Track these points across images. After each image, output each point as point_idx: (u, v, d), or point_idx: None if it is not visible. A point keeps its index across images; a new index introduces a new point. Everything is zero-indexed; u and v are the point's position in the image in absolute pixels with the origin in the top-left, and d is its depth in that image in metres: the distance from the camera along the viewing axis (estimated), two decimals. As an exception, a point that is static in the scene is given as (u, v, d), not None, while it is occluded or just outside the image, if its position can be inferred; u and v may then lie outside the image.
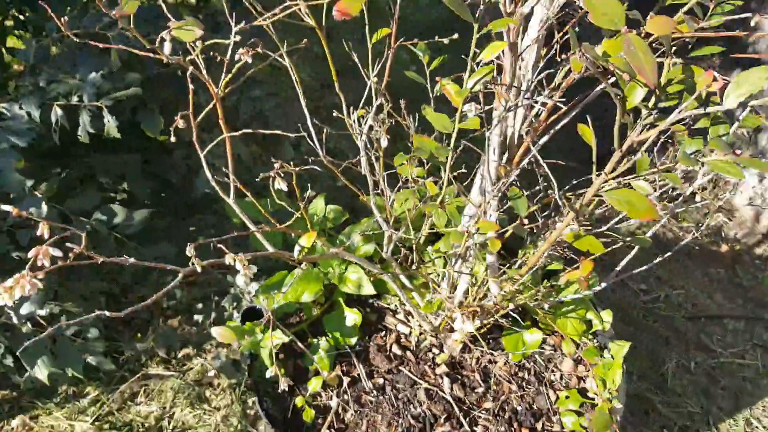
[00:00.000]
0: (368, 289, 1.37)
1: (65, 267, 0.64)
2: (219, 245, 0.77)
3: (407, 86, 1.23)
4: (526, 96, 1.05)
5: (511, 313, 1.33)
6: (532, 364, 1.42)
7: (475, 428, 1.32)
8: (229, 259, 0.78)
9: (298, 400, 1.32)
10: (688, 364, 2.05)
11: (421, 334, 1.45)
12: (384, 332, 1.47)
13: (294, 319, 1.49)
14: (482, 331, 1.43)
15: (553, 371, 1.41)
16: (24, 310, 1.21)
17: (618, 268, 1.29)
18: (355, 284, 1.37)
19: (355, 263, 1.38)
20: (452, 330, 1.39)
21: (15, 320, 1.19)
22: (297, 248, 0.93)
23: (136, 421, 1.75)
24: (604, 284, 1.30)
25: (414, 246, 1.23)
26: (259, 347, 1.30)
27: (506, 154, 1.16)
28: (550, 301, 1.29)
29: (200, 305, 1.91)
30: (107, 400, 1.79)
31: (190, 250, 0.75)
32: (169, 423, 1.75)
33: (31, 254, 0.57)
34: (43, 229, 0.66)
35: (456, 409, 1.33)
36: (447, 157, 1.01)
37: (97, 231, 1.58)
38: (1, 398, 1.79)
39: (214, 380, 1.83)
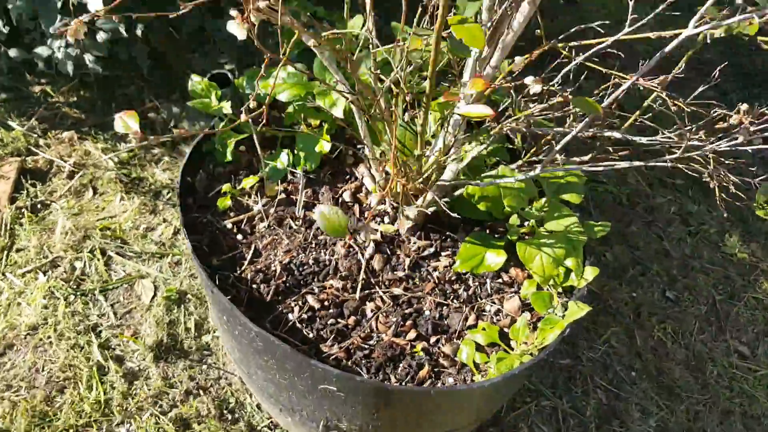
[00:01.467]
0: (338, 112, 1.20)
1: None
2: None
3: None
4: None
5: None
6: (475, 283, 1.16)
7: (366, 302, 1.12)
8: None
9: (226, 187, 1.23)
10: (731, 447, 1.55)
11: (382, 196, 1.26)
12: (349, 178, 1.31)
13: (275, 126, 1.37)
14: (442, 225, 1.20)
15: (493, 303, 1.13)
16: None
17: (558, 146, 0.95)
18: (331, 102, 1.21)
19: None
20: (409, 203, 1.17)
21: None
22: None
23: (148, 180, 1.82)
24: (538, 170, 0.98)
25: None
26: (210, 110, 1.23)
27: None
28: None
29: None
30: (139, 152, 1.89)
31: None
32: (169, 193, 1.79)
33: None
34: None
35: (361, 275, 1.14)
36: None
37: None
38: (71, 114, 1.99)
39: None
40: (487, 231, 1.21)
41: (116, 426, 1.32)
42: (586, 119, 0.86)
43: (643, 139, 0.93)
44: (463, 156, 1.04)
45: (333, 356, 1.04)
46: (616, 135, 0.85)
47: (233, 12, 0.68)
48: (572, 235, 1.07)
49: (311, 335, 1.07)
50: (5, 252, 1.60)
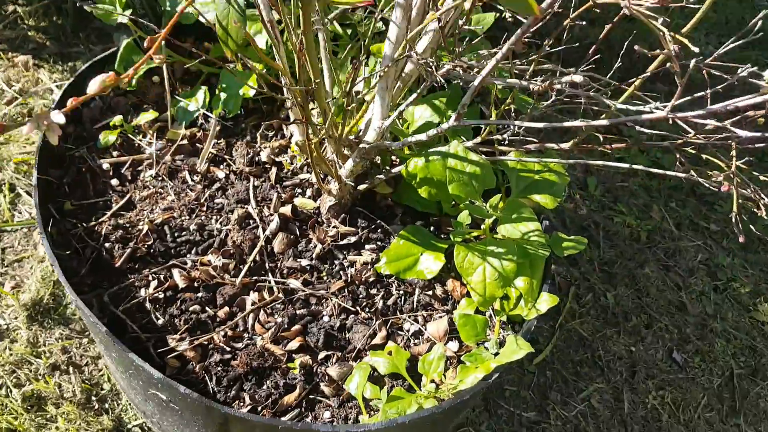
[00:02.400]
0: (260, 42, 0.94)
1: None
2: None
3: None
4: None
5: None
6: (399, 291, 0.87)
7: (249, 292, 0.84)
8: None
9: (117, 119, 0.98)
10: None
11: (307, 164, 0.98)
12: (275, 134, 1.03)
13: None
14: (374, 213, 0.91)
15: (415, 320, 0.84)
16: None
17: (477, 81, 0.65)
18: (258, 29, 0.95)
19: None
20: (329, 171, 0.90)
21: None
22: None
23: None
24: (451, 121, 0.68)
25: None
26: (112, 21, 0.98)
27: None
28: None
29: None
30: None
31: None
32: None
33: None
34: None
35: (253, 255, 0.86)
36: None
37: None
38: (36, 38, 1.79)
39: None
40: (431, 228, 0.93)
41: (-50, 392, 1.08)
42: (516, 34, 0.56)
43: (620, 105, 0.63)
44: (384, 95, 0.75)
45: (178, 354, 0.77)
46: (576, 78, 0.55)
47: None
48: (531, 246, 0.77)
49: (160, 321, 0.80)
50: None
